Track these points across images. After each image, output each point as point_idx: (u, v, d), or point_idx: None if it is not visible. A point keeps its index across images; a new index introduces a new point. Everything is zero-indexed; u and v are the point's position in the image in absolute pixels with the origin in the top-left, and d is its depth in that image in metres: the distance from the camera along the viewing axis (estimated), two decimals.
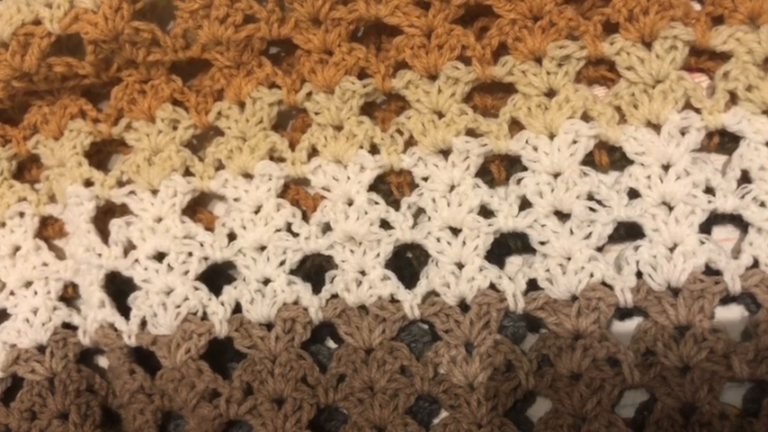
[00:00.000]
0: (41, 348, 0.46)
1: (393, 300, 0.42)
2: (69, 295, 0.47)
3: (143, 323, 0.44)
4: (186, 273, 0.44)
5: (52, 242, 0.49)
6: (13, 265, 0.47)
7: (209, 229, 0.46)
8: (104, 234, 0.46)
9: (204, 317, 0.43)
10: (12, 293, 0.47)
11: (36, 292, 0.46)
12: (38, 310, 0.46)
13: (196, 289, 0.43)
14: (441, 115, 0.43)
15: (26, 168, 0.50)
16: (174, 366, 0.43)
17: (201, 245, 0.44)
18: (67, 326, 0.46)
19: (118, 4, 0.44)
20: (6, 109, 0.49)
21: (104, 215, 0.47)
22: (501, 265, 0.43)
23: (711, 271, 0.40)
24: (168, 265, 0.44)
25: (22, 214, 0.48)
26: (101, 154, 0.49)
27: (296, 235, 0.43)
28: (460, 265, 0.41)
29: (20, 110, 0.49)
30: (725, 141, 0.42)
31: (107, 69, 0.46)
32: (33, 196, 0.48)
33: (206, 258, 0.44)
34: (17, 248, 0.47)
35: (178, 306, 0.43)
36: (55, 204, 0.47)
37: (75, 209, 0.45)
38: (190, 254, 0.44)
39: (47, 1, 0.46)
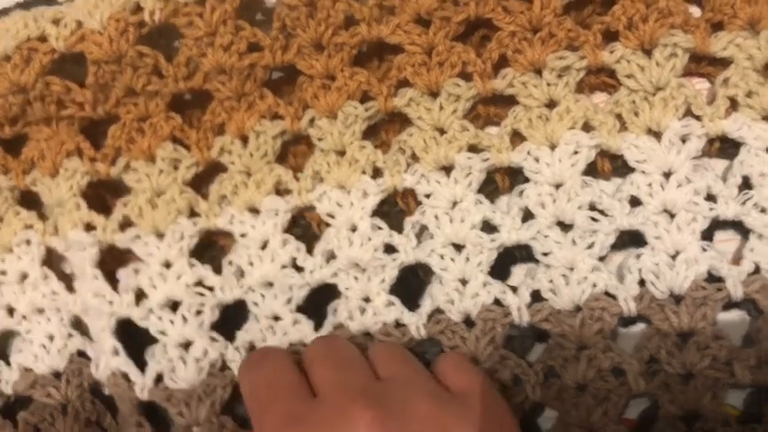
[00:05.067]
0: (57, 374, 0.46)
1: (398, 324, 0.42)
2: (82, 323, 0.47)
3: (158, 377, 0.44)
4: (202, 324, 0.43)
5: (63, 270, 0.48)
6: (23, 291, 0.47)
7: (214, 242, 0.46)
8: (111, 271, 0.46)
9: (223, 365, 0.43)
10: (24, 318, 0.47)
11: (49, 319, 0.46)
12: (53, 336, 0.46)
13: (214, 340, 0.43)
14: (442, 132, 0.43)
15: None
16: (192, 423, 0.43)
17: (212, 290, 0.44)
18: (81, 353, 0.46)
19: (124, 26, 0.44)
20: (8, 139, 0.48)
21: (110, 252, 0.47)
22: (506, 274, 0.43)
23: (713, 278, 0.41)
24: (183, 316, 0.44)
25: (28, 242, 0.47)
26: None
27: (301, 269, 0.43)
28: (464, 281, 0.42)
29: (20, 142, 0.48)
30: (726, 147, 0.43)
31: (105, 102, 0.46)
32: (40, 225, 0.47)
33: (219, 304, 0.44)
34: (25, 275, 0.47)
35: (199, 360, 0.43)
36: (59, 239, 0.47)
37: (79, 254, 0.45)
38: (202, 302, 0.44)
39: (54, 17, 0.46)
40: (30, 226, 0.47)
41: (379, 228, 0.43)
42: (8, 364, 0.47)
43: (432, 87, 0.43)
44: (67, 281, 0.47)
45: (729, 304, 0.41)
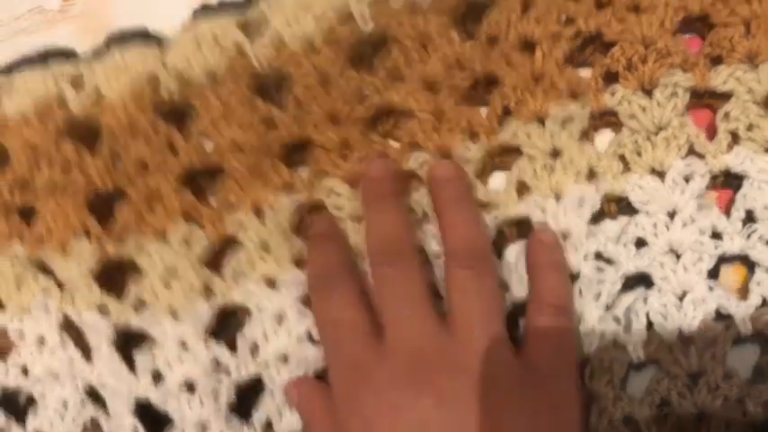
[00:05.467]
0: None
1: None
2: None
3: None
4: (218, 406, 0.44)
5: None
6: (40, 353, 0.47)
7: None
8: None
9: None
10: (39, 380, 0.47)
11: (64, 385, 0.46)
12: (67, 403, 0.46)
13: (230, 422, 0.44)
14: None
15: None
16: None
17: (228, 372, 0.44)
18: (95, 422, 0.46)
19: (142, 101, 0.45)
20: (21, 207, 0.48)
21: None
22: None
23: (721, 314, 0.42)
24: (200, 398, 0.44)
25: (46, 307, 0.47)
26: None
27: (316, 341, 0.43)
28: None
29: (30, 213, 0.48)
30: (729, 178, 0.43)
31: (114, 174, 0.46)
32: (57, 293, 0.47)
33: (235, 384, 0.44)
34: (43, 339, 0.47)
35: None
36: (75, 309, 0.46)
37: (95, 334, 0.45)
38: (219, 383, 0.44)
39: (73, 77, 0.47)
40: (47, 291, 0.47)
41: None
42: (17, 420, 0.48)
43: (442, 151, 0.44)
44: (85, 348, 0.47)
45: (739, 339, 0.42)
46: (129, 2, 0.52)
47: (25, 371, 0.48)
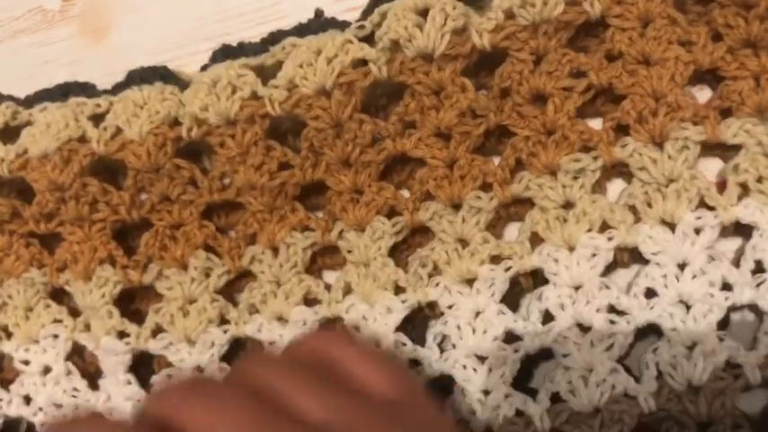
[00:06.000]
0: None
1: None
2: None
3: None
4: None
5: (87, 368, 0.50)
6: (43, 384, 0.49)
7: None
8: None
9: None
10: (40, 409, 0.49)
11: (66, 416, 0.48)
12: None
13: None
14: (464, 243, 0.44)
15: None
16: None
17: None
18: None
19: (162, 141, 0.47)
20: (44, 235, 0.50)
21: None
22: (529, 375, 0.45)
23: (730, 363, 0.42)
24: None
25: (56, 336, 0.49)
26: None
27: None
28: (487, 392, 0.43)
29: (55, 238, 0.51)
30: (739, 227, 0.44)
31: (140, 206, 0.48)
32: (70, 321, 0.49)
33: None
34: (48, 369, 0.49)
35: None
36: (90, 335, 0.48)
37: (112, 358, 0.47)
38: None
39: (93, 114, 0.48)
40: (59, 321, 0.49)
41: (404, 344, 0.45)
42: None
43: (454, 200, 0.44)
44: (91, 378, 0.49)
45: (748, 387, 0.42)
46: (128, 2, 0.53)
47: (27, 400, 0.50)
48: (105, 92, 0.51)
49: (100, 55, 0.53)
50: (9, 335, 0.51)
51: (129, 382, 0.48)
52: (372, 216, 0.45)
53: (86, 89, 0.52)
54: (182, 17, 0.51)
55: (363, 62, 0.45)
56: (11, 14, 0.56)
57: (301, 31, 0.47)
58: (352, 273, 0.46)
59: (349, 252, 0.46)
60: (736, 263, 0.43)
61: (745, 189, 0.43)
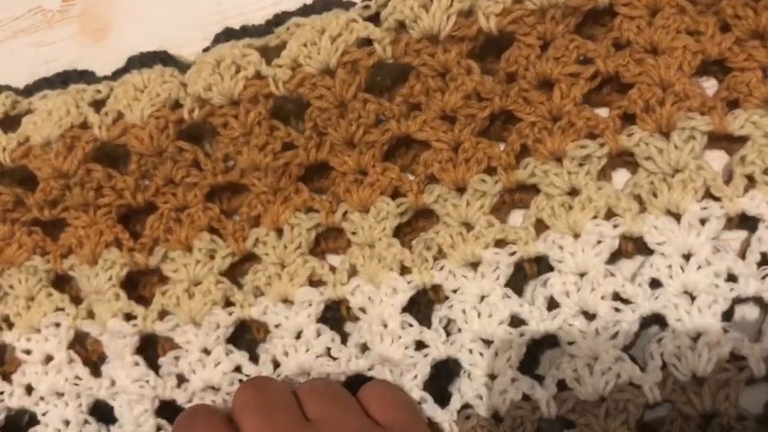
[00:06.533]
0: None
1: (430, 422, 0.44)
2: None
3: None
4: None
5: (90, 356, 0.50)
6: (45, 373, 0.48)
7: None
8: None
9: None
10: (42, 399, 0.48)
11: (67, 404, 0.48)
12: (69, 422, 0.47)
13: None
14: (469, 227, 0.44)
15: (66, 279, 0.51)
16: None
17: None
18: None
19: (164, 124, 0.46)
20: (47, 222, 0.50)
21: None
22: (535, 362, 0.44)
23: (734, 355, 0.42)
24: (224, 399, 0.46)
25: (57, 325, 0.48)
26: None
27: (335, 358, 0.44)
28: (493, 377, 0.43)
29: (59, 224, 0.50)
30: (745, 219, 0.43)
31: (145, 190, 0.47)
32: (72, 309, 0.49)
33: None
34: (50, 358, 0.48)
35: None
36: (93, 322, 0.48)
37: (119, 341, 0.47)
38: None
39: (94, 100, 0.48)
40: (61, 309, 0.49)
41: (410, 324, 0.44)
42: None
43: (458, 183, 0.44)
44: (92, 365, 0.49)
45: (752, 379, 0.42)
46: (128, 2, 0.53)
47: (29, 390, 0.49)
48: (105, 78, 0.50)
49: (100, 55, 0.53)
50: (10, 325, 0.50)
51: (137, 364, 0.47)
52: (377, 197, 0.44)
53: (86, 76, 0.51)
54: (182, 17, 0.51)
55: (368, 42, 0.45)
56: (11, 14, 0.56)
57: (306, 11, 0.47)
58: (356, 254, 0.45)
59: (353, 234, 0.45)
60: (742, 255, 0.43)
61: (751, 181, 0.43)
